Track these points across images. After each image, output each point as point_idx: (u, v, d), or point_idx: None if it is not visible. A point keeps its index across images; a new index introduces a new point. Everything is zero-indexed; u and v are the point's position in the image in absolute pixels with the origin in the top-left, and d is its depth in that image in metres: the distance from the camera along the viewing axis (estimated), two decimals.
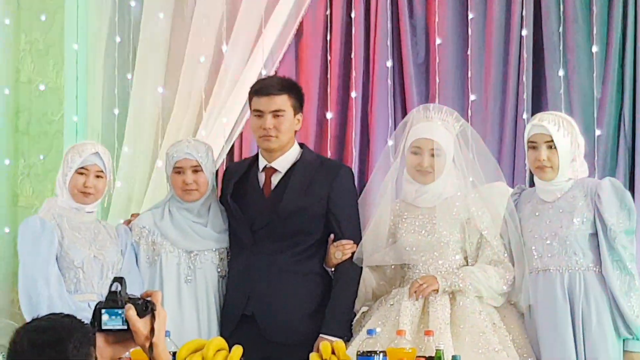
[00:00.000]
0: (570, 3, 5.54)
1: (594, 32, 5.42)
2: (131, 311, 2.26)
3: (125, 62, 5.98)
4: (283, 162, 4.58)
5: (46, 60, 6.09)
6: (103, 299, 2.43)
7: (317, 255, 4.57)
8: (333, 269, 4.57)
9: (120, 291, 2.40)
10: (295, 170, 4.61)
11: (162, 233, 4.55)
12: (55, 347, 2.10)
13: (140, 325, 2.28)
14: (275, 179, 4.59)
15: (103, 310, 2.31)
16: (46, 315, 2.25)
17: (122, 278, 2.47)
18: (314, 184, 4.57)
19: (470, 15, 5.66)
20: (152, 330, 2.29)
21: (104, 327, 2.26)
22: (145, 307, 2.31)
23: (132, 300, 2.31)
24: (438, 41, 5.69)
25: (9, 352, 2.39)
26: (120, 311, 2.28)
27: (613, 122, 5.43)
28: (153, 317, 2.30)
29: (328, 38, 5.85)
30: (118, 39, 5.97)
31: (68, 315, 2.22)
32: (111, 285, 2.38)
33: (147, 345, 2.30)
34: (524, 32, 5.49)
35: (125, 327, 2.26)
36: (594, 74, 5.37)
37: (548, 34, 5.49)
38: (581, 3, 5.55)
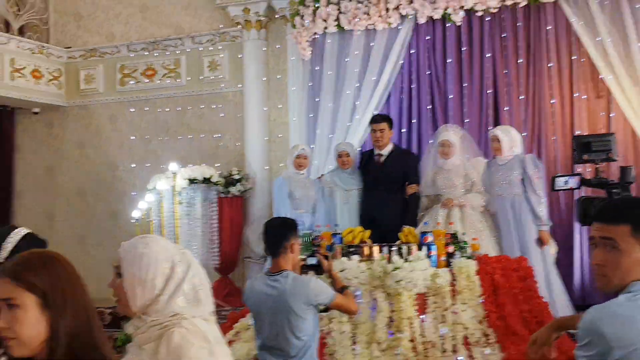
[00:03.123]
0: None
1: None
2: (321, 258, 4.60)
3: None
4: (385, 151, 7.52)
5: None
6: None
7: (401, 190, 7.41)
8: (407, 196, 7.44)
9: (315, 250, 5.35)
10: (391, 154, 7.55)
11: (335, 182, 7.59)
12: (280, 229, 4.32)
13: (324, 264, 4.50)
14: (382, 158, 7.56)
15: (308, 258, 4.69)
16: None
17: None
18: (399, 160, 7.52)
19: None
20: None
21: (307, 264, 4.62)
22: (325, 257, 4.55)
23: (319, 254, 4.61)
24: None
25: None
26: (316, 259, 4.64)
27: None
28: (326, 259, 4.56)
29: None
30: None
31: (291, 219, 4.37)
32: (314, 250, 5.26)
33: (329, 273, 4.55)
34: None
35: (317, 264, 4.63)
36: None
37: None
38: None
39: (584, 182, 3.15)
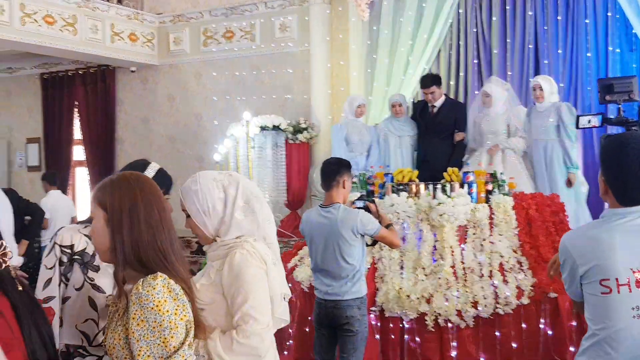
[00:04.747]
0: None
1: None
2: (370, 203, 4.43)
3: None
4: (438, 103, 7.46)
5: None
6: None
7: (451, 136, 7.35)
8: (455, 142, 7.41)
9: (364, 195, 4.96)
10: (443, 105, 7.50)
11: (389, 129, 7.60)
12: (334, 166, 4.34)
13: (372, 207, 4.38)
14: (435, 109, 7.52)
15: (356, 201, 4.46)
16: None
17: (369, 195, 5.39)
18: (450, 111, 7.43)
19: None
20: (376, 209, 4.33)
21: (356, 207, 4.36)
22: (373, 202, 4.43)
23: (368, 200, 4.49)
24: None
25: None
26: (363, 202, 4.40)
27: None
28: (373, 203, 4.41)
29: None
30: None
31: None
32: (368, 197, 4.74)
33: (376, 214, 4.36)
34: None
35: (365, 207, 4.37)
36: None
37: None
38: None
39: (605, 120, 3.03)
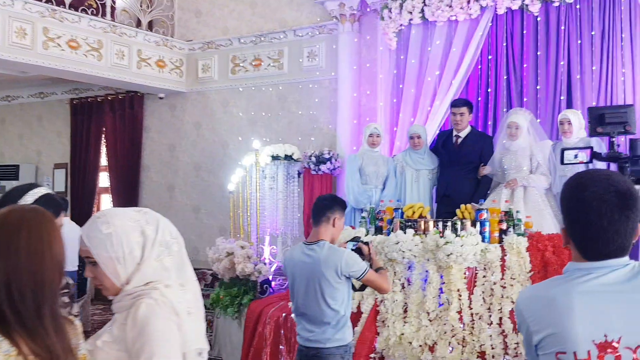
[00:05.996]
0: None
1: None
2: (361, 244, 4.17)
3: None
4: (463, 133, 7.08)
5: None
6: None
7: (475, 170, 6.91)
8: (480, 177, 6.93)
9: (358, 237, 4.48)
10: (468, 136, 7.10)
11: (406, 162, 7.20)
12: (327, 202, 4.14)
13: (364, 249, 4.13)
14: (459, 140, 7.11)
15: (349, 242, 4.22)
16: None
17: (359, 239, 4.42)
18: (475, 142, 7.00)
19: None
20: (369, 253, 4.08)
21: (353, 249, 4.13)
22: (366, 244, 4.18)
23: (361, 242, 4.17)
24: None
25: None
26: (355, 244, 4.17)
27: None
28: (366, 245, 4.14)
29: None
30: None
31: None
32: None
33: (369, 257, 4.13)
34: None
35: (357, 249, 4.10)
36: None
37: None
38: None
39: (594, 155, 2.65)
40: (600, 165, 4.65)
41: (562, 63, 7.51)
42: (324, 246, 4.05)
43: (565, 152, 3.08)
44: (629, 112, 3.05)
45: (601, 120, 3.11)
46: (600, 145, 6.17)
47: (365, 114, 8.87)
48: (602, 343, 1.77)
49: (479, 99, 8.13)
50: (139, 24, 10.05)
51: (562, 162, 3.14)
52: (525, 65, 7.76)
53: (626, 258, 1.83)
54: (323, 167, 8.62)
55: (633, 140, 3.06)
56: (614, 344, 1.76)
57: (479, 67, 8.10)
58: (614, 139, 3.16)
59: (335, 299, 3.96)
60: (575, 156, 3.02)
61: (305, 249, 4.11)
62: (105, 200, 11.10)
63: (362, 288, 4.25)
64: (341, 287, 3.98)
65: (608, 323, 1.77)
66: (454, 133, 7.13)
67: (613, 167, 3.45)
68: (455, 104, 7.17)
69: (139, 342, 1.93)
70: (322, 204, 4.14)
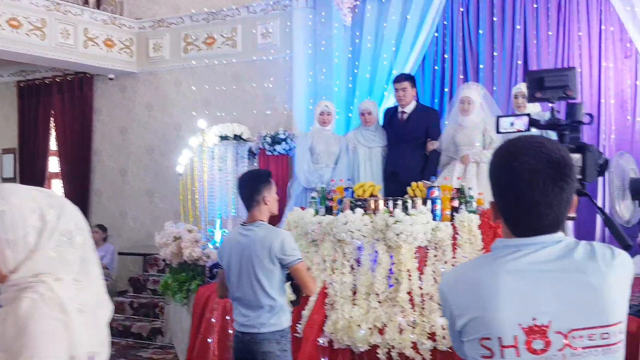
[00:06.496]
0: None
1: None
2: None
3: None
4: (408, 109, 6.88)
5: None
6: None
7: (422, 146, 6.73)
8: (428, 152, 6.74)
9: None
10: (413, 111, 6.91)
11: (358, 140, 7.02)
12: (251, 183, 3.84)
13: None
14: (405, 115, 6.92)
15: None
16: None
17: None
18: (421, 118, 6.83)
19: None
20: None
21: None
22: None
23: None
24: None
25: None
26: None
27: None
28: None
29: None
30: None
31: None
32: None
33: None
34: None
35: None
36: None
37: None
38: None
39: (532, 123, 2.49)
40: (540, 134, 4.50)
41: (518, 27, 7.41)
42: (261, 226, 3.84)
43: (501, 120, 2.88)
44: (571, 75, 2.86)
45: (540, 84, 2.91)
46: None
47: (322, 93, 8.59)
48: (531, 327, 1.60)
49: (436, 67, 7.99)
50: (85, 1, 9.65)
51: (497, 131, 2.95)
52: (481, 32, 7.64)
53: (560, 234, 1.66)
54: (278, 148, 8.41)
55: (571, 105, 2.88)
56: (544, 328, 1.60)
57: (435, 34, 7.95)
58: (553, 105, 2.97)
59: (271, 280, 3.75)
60: (512, 124, 2.83)
61: (242, 230, 3.91)
62: (56, 186, 10.70)
63: (289, 279, 3.88)
64: (275, 271, 3.78)
65: (537, 305, 1.61)
66: (399, 109, 6.93)
67: (553, 135, 3.26)
68: (397, 79, 6.95)
69: (19, 342, 1.68)
70: (245, 190, 3.92)
